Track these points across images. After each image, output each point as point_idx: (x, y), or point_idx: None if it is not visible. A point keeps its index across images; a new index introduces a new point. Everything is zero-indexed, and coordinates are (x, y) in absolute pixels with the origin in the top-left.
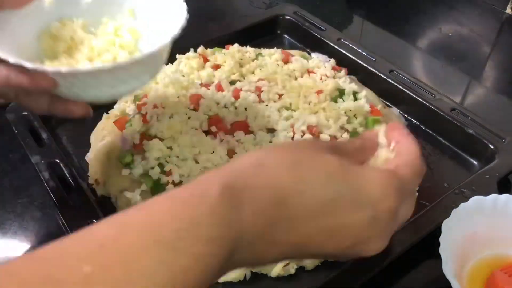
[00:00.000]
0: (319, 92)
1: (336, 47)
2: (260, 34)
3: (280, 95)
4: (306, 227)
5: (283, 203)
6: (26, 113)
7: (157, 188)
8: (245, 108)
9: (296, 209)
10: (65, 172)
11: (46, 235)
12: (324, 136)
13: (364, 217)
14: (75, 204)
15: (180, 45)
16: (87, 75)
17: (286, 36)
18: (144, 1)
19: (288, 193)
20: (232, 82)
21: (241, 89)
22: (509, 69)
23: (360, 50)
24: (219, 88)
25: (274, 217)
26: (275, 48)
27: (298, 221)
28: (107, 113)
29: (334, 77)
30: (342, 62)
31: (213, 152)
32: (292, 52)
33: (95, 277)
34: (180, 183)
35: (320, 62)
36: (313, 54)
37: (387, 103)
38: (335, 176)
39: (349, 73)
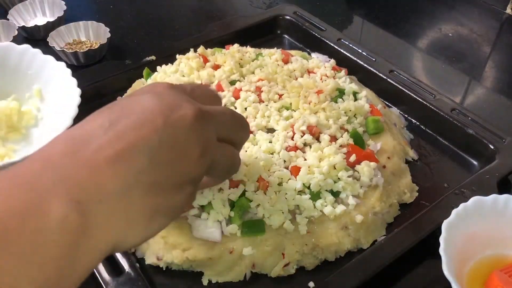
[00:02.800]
0: (319, 92)
1: (336, 47)
2: (260, 34)
3: (280, 95)
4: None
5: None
6: None
7: None
8: (245, 108)
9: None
10: None
11: None
12: (324, 136)
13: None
14: None
15: (180, 45)
16: None
17: (286, 36)
18: (50, 84)
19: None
20: (232, 82)
21: (241, 89)
22: (509, 69)
23: (360, 50)
24: (219, 88)
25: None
26: (275, 48)
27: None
28: None
29: (334, 77)
30: (342, 62)
31: None
32: (292, 52)
33: None
34: None
35: (320, 62)
36: (313, 54)
37: (387, 103)
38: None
39: (349, 73)
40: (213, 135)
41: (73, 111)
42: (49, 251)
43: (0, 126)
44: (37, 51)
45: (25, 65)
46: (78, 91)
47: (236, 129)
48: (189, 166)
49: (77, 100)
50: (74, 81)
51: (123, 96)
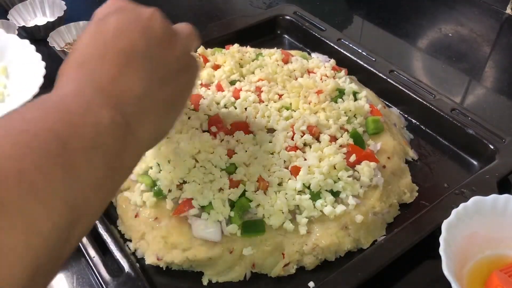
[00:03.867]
0: (319, 92)
1: (336, 47)
2: (260, 34)
3: (280, 95)
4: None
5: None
6: None
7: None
8: (245, 108)
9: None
10: None
11: None
12: (324, 136)
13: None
14: None
15: None
16: None
17: (286, 36)
18: (16, 62)
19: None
20: (232, 82)
21: (241, 89)
22: (509, 69)
23: (360, 50)
24: (219, 88)
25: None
26: (275, 48)
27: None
28: None
29: (334, 77)
30: (342, 62)
31: (213, 152)
32: (292, 52)
33: None
34: (179, 183)
35: (320, 62)
36: (313, 54)
37: (387, 103)
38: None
39: (349, 73)
40: (171, 24)
41: (38, 82)
42: (108, 142)
43: None
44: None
45: None
46: (42, 64)
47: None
48: (176, 52)
49: (42, 72)
50: (38, 56)
51: (86, 28)
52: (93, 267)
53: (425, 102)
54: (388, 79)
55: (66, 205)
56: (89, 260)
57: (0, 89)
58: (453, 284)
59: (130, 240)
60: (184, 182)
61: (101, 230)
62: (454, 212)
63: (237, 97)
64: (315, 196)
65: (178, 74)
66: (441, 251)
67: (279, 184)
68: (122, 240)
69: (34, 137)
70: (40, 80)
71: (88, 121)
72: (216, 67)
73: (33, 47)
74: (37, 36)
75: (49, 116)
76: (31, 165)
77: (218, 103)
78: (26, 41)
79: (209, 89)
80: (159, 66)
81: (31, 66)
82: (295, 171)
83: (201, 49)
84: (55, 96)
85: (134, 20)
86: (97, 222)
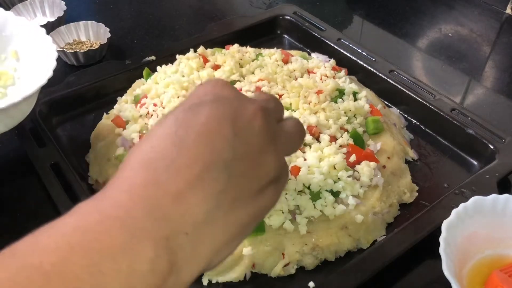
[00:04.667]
0: (319, 92)
1: (336, 47)
2: (260, 34)
3: (280, 95)
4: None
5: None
6: None
7: None
8: None
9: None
10: (65, 172)
11: None
12: (324, 136)
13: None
14: (75, 204)
15: (180, 45)
16: None
17: (286, 36)
18: (26, 45)
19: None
20: (232, 82)
21: (241, 89)
22: (509, 69)
23: (360, 50)
24: None
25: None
26: (275, 48)
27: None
28: (107, 113)
29: (334, 77)
30: (342, 62)
31: None
32: (292, 52)
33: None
34: None
35: (320, 62)
36: (313, 54)
37: (387, 103)
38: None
39: (349, 73)
40: (276, 125)
41: (51, 65)
42: None
43: None
44: (10, 13)
45: None
46: (54, 47)
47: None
48: (266, 168)
49: (54, 55)
50: (49, 39)
51: (175, 109)
52: None
53: (425, 102)
54: (388, 79)
55: None
56: None
57: (10, 72)
58: (453, 284)
59: None
60: None
61: None
62: (454, 212)
63: None
64: (315, 196)
65: (259, 194)
66: (441, 251)
67: None
68: None
69: None
70: (53, 63)
71: (121, 268)
72: (216, 67)
73: (43, 30)
74: None
75: (70, 265)
76: None
77: None
78: (36, 24)
79: None
80: (235, 186)
81: (42, 49)
82: (295, 171)
83: (201, 49)
84: (97, 218)
85: (230, 120)
86: None
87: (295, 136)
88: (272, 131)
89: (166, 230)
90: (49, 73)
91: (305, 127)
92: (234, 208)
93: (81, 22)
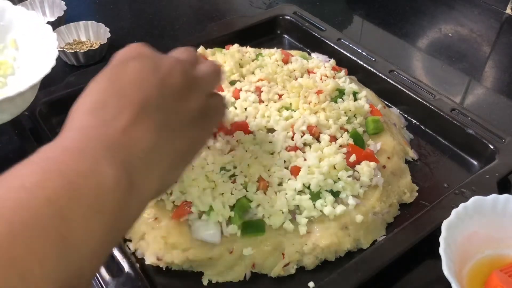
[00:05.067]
0: (319, 92)
1: (336, 47)
2: (260, 34)
3: (280, 95)
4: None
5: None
6: (26, 113)
7: None
8: (245, 108)
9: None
10: None
11: None
12: (324, 136)
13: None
14: None
15: (180, 46)
16: None
17: (286, 36)
18: (25, 34)
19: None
20: (232, 82)
21: (241, 89)
22: (509, 69)
23: (360, 50)
24: (219, 88)
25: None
26: (275, 48)
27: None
28: None
29: (334, 77)
30: (342, 62)
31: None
32: (292, 52)
33: None
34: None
35: (320, 62)
36: (313, 54)
37: (387, 103)
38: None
39: (349, 73)
40: (192, 69)
41: (53, 54)
42: (109, 205)
43: None
44: (7, 2)
45: None
46: (54, 36)
47: (217, 82)
48: (190, 104)
49: (54, 44)
50: (49, 28)
51: (103, 70)
52: None
53: (425, 102)
54: (388, 79)
55: (58, 284)
56: None
57: (10, 62)
58: (453, 284)
59: (130, 240)
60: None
61: None
62: (454, 212)
63: (237, 97)
64: (315, 196)
65: (192, 125)
66: (441, 251)
67: (279, 184)
68: (122, 240)
69: (31, 212)
70: (54, 53)
71: (91, 183)
72: None
73: (42, 19)
74: None
75: (48, 182)
76: (24, 250)
77: None
78: (34, 13)
79: None
80: (171, 118)
81: (42, 37)
82: (295, 171)
83: (201, 49)
84: (60, 151)
85: (153, 70)
86: None
87: (211, 74)
88: (189, 74)
89: (122, 155)
90: (52, 62)
91: (305, 127)
92: (173, 138)
93: (81, 22)
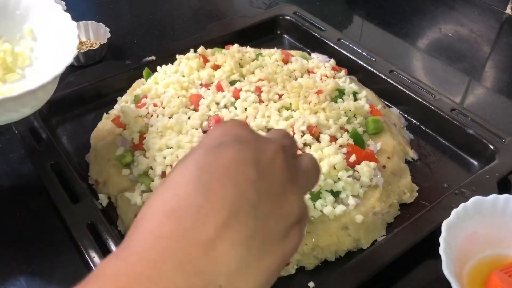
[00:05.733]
0: (319, 92)
1: (336, 47)
2: (260, 34)
3: (280, 95)
4: None
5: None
6: None
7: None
8: (245, 108)
9: None
10: (65, 172)
11: (46, 236)
12: (324, 136)
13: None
14: (75, 204)
15: (180, 45)
16: None
17: (286, 36)
18: (42, 23)
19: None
20: (232, 82)
21: (241, 89)
22: (509, 69)
23: (360, 50)
24: (219, 88)
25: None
26: (275, 48)
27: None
28: (107, 113)
29: (334, 77)
30: (342, 62)
31: None
32: (292, 52)
33: None
34: None
35: (320, 62)
36: (313, 54)
37: (387, 103)
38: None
39: (349, 73)
40: (294, 162)
41: (73, 43)
42: None
43: None
44: None
45: (11, 5)
46: (74, 24)
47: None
48: (290, 207)
49: (75, 33)
50: (67, 16)
51: (193, 152)
52: (94, 267)
53: (425, 102)
54: (388, 79)
55: None
56: (89, 260)
57: (26, 53)
58: (453, 284)
59: None
60: None
61: (101, 230)
62: (454, 212)
63: (237, 97)
64: (315, 196)
65: (287, 235)
66: (441, 251)
67: None
68: (122, 240)
69: None
70: (75, 42)
71: None
72: (216, 67)
73: (59, 6)
74: None
75: None
76: None
77: (218, 103)
78: (52, 1)
79: (209, 89)
80: (264, 226)
81: (60, 26)
82: None
83: (201, 49)
84: (126, 277)
85: (251, 160)
86: (97, 222)
87: (313, 172)
88: (292, 169)
89: (200, 283)
90: (73, 52)
91: (305, 127)
92: (263, 254)
93: (81, 22)
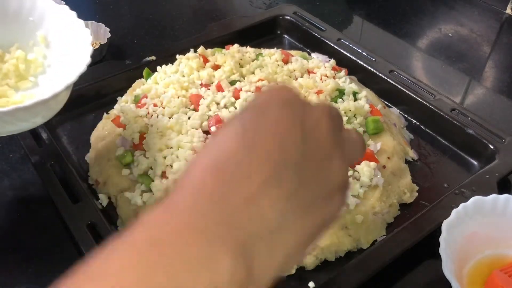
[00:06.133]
0: (319, 92)
1: (336, 47)
2: (260, 34)
3: None
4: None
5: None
6: None
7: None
8: None
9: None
10: (65, 172)
11: (46, 236)
12: None
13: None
14: (75, 204)
15: (180, 45)
16: None
17: (286, 36)
18: (56, 30)
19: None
20: (232, 82)
21: (241, 89)
22: (509, 69)
23: (360, 50)
24: (219, 88)
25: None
26: (275, 48)
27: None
28: (107, 113)
29: (334, 77)
30: (342, 62)
31: None
32: (292, 52)
33: None
34: None
35: (320, 62)
36: (313, 54)
37: (387, 103)
38: None
39: (349, 73)
40: (340, 132)
41: (87, 51)
42: None
43: (9, 75)
44: None
45: (25, 12)
46: (87, 32)
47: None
48: (334, 172)
49: (88, 40)
50: (81, 23)
51: (239, 113)
52: None
53: (425, 102)
54: (388, 79)
55: None
56: None
57: (39, 60)
58: (453, 284)
59: None
60: None
61: (101, 230)
62: (454, 212)
63: (237, 97)
64: None
65: (327, 199)
66: (441, 251)
67: None
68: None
69: None
70: (89, 50)
71: (203, 281)
72: (216, 67)
73: (74, 13)
74: None
75: (150, 283)
76: None
77: (218, 103)
78: (66, 7)
79: (209, 89)
80: (307, 187)
81: (73, 34)
82: None
83: (201, 49)
84: (167, 227)
85: (297, 121)
86: (97, 222)
87: (358, 144)
88: (338, 136)
89: (242, 236)
90: (86, 59)
91: None
92: (306, 213)
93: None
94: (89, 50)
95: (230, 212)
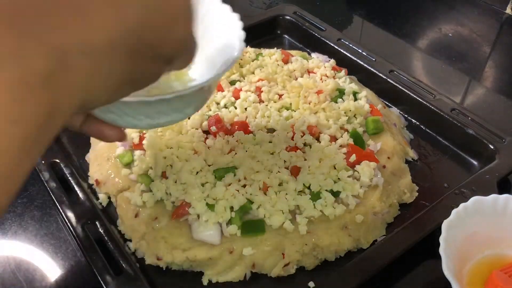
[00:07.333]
0: (319, 92)
1: (336, 47)
2: (260, 34)
3: (280, 95)
4: None
5: None
6: None
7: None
8: (245, 108)
9: None
10: (65, 172)
11: (46, 235)
12: (324, 136)
13: None
14: (75, 204)
15: None
16: (125, 105)
17: (286, 36)
18: (214, 27)
19: None
20: (232, 82)
21: (241, 89)
22: (509, 69)
23: (360, 50)
24: (219, 88)
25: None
26: (275, 48)
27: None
28: None
29: (334, 77)
30: (342, 62)
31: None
32: (292, 52)
33: None
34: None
35: (320, 62)
36: (313, 54)
37: (387, 103)
38: None
39: (349, 73)
40: None
41: (239, 46)
42: (32, 106)
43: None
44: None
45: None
46: (237, 17)
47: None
48: (171, 37)
49: (239, 26)
50: (235, 16)
51: None
52: (93, 267)
53: (425, 102)
54: (388, 79)
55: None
56: (89, 260)
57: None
58: (453, 284)
59: (130, 240)
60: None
61: (101, 230)
62: (454, 212)
63: (237, 97)
64: (315, 196)
65: (155, 63)
66: (441, 251)
67: (279, 185)
68: (122, 240)
69: None
70: (240, 45)
71: (11, 77)
72: None
73: (228, 6)
74: None
75: None
76: None
77: (218, 103)
78: (227, 7)
79: None
80: (147, 38)
81: (228, 28)
82: (295, 171)
83: None
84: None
85: None
86: (97, 222)
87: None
88: None
89: (62, 40)
90: (241, 45)
91: (305, 127)
92: (132, 59)
93: None
94: (240, 46)
95: (54, 12)
